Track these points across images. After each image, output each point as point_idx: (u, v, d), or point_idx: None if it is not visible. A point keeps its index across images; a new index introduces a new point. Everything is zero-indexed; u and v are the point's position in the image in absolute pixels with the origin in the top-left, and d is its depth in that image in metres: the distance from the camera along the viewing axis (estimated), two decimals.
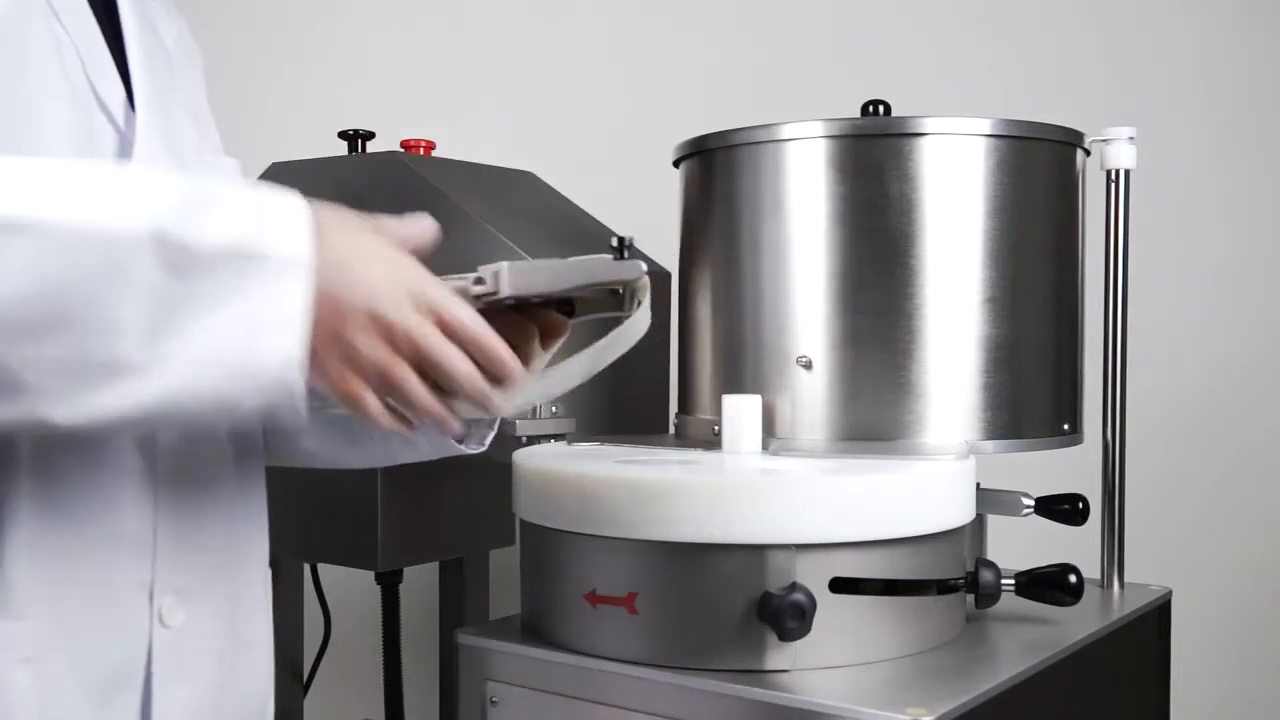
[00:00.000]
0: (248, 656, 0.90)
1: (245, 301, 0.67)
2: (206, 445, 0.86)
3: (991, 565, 1.12)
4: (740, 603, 0.99)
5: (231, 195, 0.69)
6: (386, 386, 0.72)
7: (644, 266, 0.88)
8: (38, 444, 0.75)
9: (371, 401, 0.72)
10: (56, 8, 0.78)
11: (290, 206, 0.69)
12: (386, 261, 0.71)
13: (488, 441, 0.96)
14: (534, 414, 1.28)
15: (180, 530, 0.82)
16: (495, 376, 0.73)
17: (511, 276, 0.75)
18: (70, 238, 0.64)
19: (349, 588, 1.90)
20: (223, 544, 0.87)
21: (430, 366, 0.71)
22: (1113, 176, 1.30)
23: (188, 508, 0.83)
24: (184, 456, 0.83)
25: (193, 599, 0.82)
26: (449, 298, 0.72)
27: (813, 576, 0.99)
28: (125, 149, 0.80)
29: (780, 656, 0.99)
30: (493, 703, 1.09)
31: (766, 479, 1.02)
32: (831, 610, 0.99)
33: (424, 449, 0.96)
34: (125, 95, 0.82)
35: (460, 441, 0.95)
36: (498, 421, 0.96)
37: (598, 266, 0.86)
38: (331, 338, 0.70)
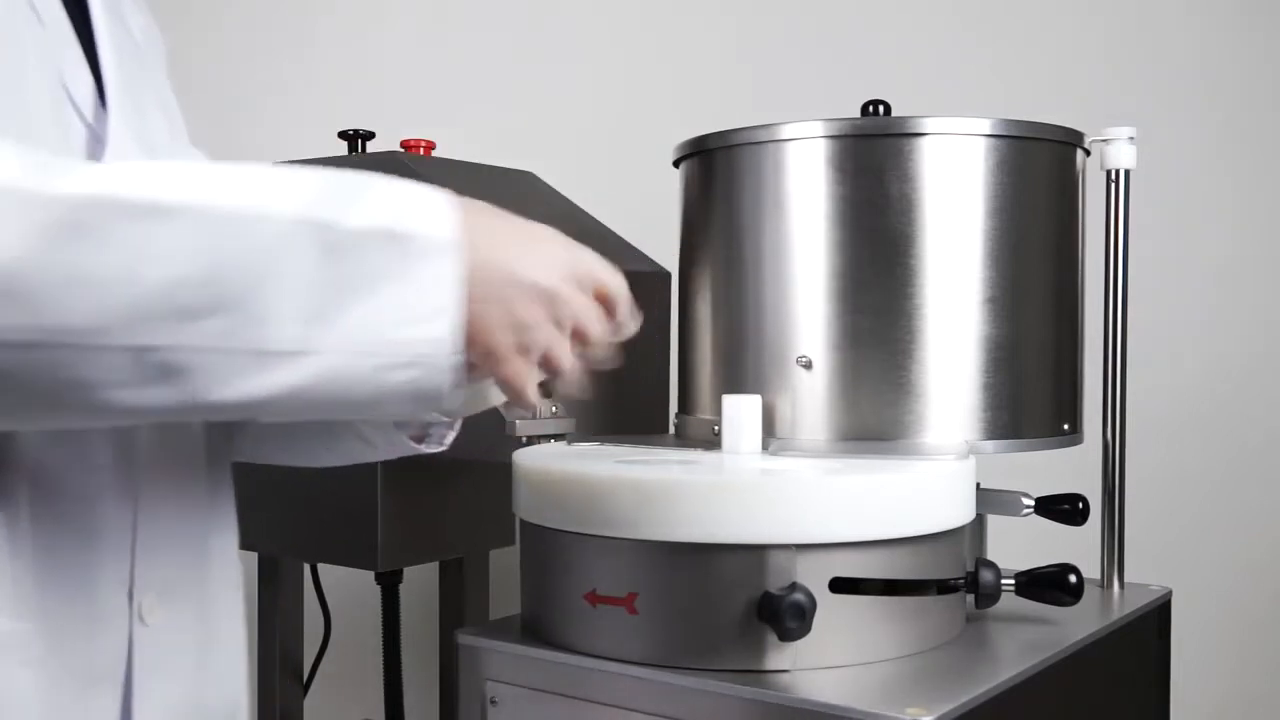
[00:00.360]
0: (223, 653, 0.90)
1: (398, 283, 0.67)
2: (182, 443, 0.85)
3: (991, 565, 1.12)
4: (740, 603, 0.99)
5: (377, 182, 0.70)
6: (546, 362, 0.74)
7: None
8: (34, 444, 0.74)
9: (532, 377, 0.74)
10: (35, 3, 0.76)
11: (432, 191, 0.71)
12: (538, 236, 0.74)
13: (448, 441, 0.96)
14: (534, 414, 1.28)
15: (158, 528, 0.82)
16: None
17: None
18: (228, 221, 0.64)
19: (349, 588, 1.90)
20: (198, 541, 0.87)
21: (578, 340, 0.75)
22: (1113, 176, 1.30)
23: (165, 506, 0.83)
24: (162, 455, 0.83)
25: (170, 596, 0.82)
26: (607, 267, 0.75)
27: (813, 576, 0.99)
28: (97, 146, 0.79)
29: (780, 656, 0.99)
30: (493, 703, 1.09)
31: (766, 479, 1.03)
32: (831, 610, 0.99)
33: (381, 450, 0.96)
34: (96, 90, 0.81)
35: (419, 441, 0.94)
36: (459, 422, 0.96)
37: None
38: (494, 313, 0.70)
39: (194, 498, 0.87)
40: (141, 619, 0.80)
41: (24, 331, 0.60)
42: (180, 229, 0.63)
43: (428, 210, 0.69)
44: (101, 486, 0.78)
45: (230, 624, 0.92)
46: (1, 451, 0.73)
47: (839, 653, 1.01)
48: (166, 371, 0.63)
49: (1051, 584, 1.11)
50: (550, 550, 1.09)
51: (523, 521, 1.14)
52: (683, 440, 1.30)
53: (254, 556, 1.65)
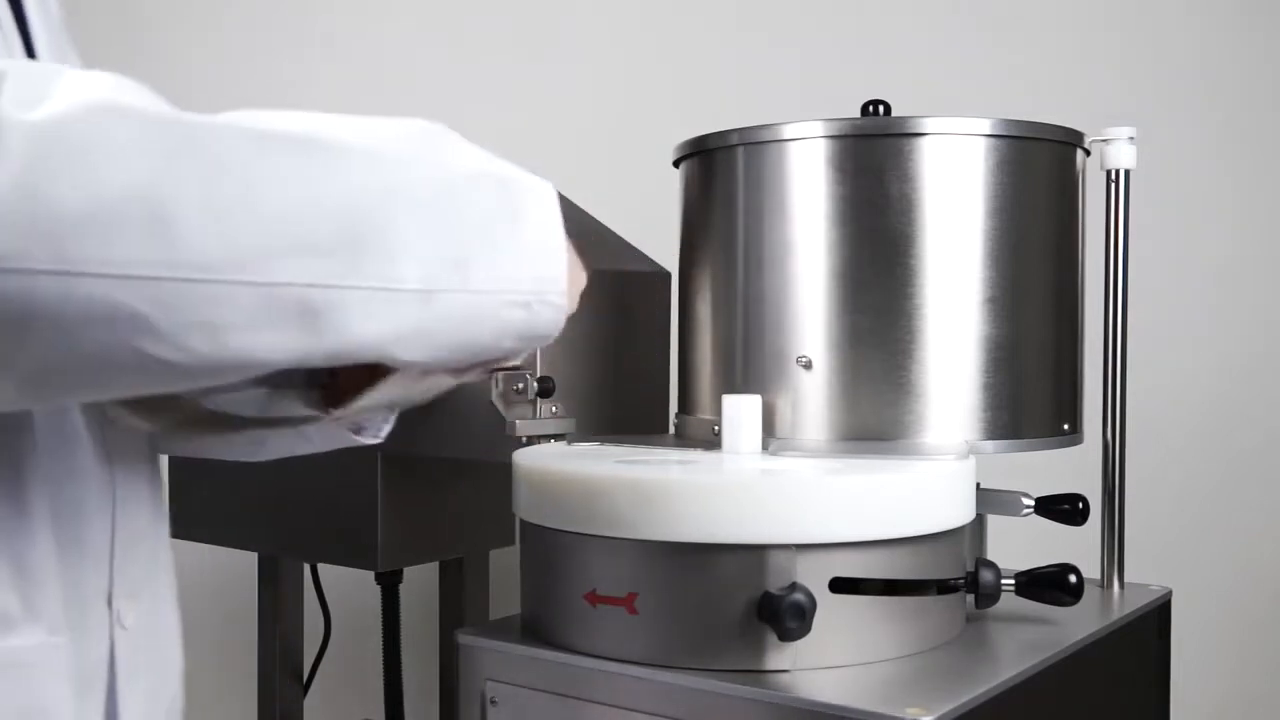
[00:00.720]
0: (171, 647, 0.90)
1: (512, 223, 0.69)
2: (136, 438, 0.84)
3: (991, 565, 1.12)
4: (740, 603, 0.99)
5: (467, 143, 0.72)
6: None
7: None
8: (47, 450, 0.74)
9: None
10: None
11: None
12: None
13: (383, 434, 0.94)
14: (534, 414, 1.28)
15: (130, 530, 0.81)
16: None
17: None
18: (358, 156, 0.63)
19: (349, 588, 1.90)
20: (152, 540, 0.86)
21: None
22: (1113, 176, 1.30)
23: (134, 507, 0.82)
24: (127, 454, 0.82)
25: (139, 597, 0.82)
26: None
27: (813, 576, 0.99)
28: None
29: (780, 656, 0.99)
30: (493, 703, 1.09)
31: (766, 479, 1.03)
32: (831, 610, 0.99)
33: (317, 444, 0.94)
34: (26, 54, 0.78)
35: (357, 433, 0.93)
36: (396, 413, 0.95)
37: None
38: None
39: (149, 494, 0.86)
40: (121, 623, 0.80)
41: (155, 266, 0.56)
42: (312, 162, 0.61)
43: (516, 167, 0.72)
44: (89, 491, 0.78)
45: (174, 616, 0.91)
46: (21, 462, 0.73)
47: (839, 653, 1.01)
48: (299, 310, 0.61)
49: (1051, 584, 1.11)
50: (550, 550, 1.09)
51: (523, 521, 1.14)
52: (683, 440, 1.30)
53: (254, 556, 1.65)
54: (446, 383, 0.79)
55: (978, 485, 1.15)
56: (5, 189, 0.53)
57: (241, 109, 0.64)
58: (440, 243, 0.66)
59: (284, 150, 0.61)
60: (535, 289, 0.70)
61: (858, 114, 1.22)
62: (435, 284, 0.65)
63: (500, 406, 1.27)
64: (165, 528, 0.91)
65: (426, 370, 0.73)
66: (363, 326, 0.63)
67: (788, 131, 1.17)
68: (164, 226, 0.56)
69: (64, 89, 0.56)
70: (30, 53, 0.79)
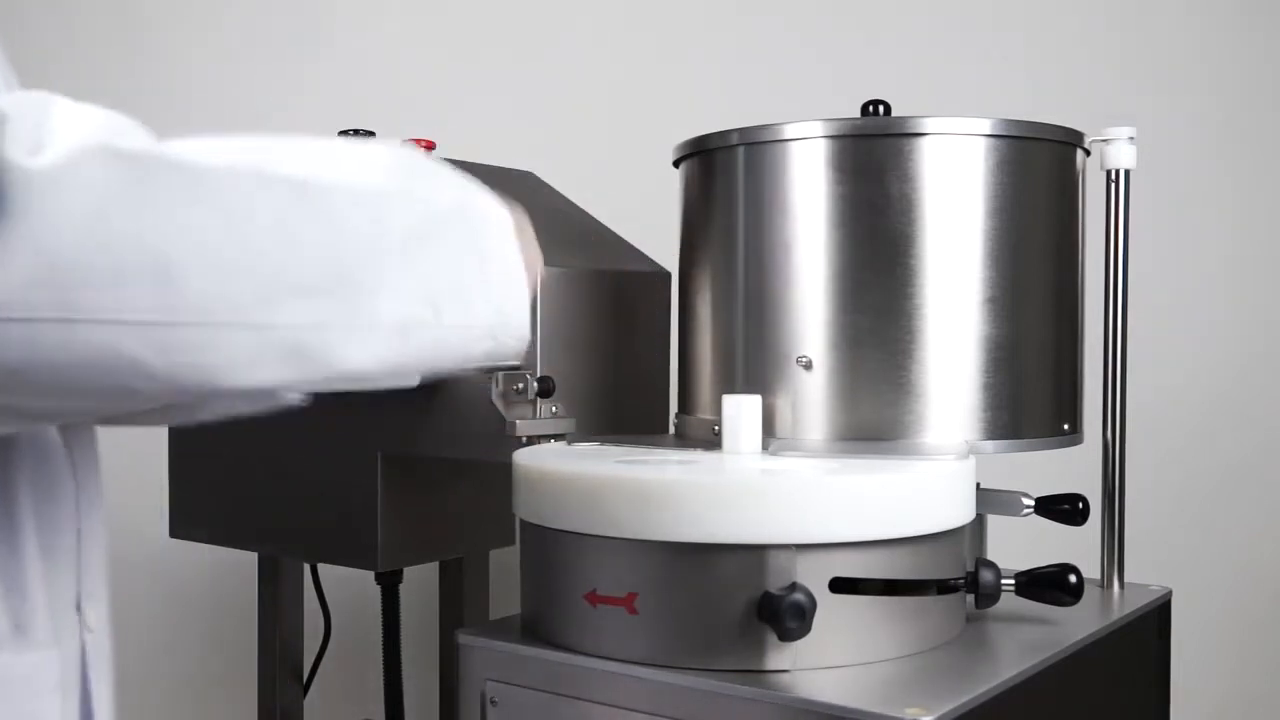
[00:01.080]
0: (109, 642, 0.90)
1: (478, 257, 0.73)
2: (87, 434, 0.84)
3: (991, 565, 1.12)
4: (740, 603, 0.99)
5: (442, 164, 0.75)
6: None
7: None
8: (30, 464, 0.74)
9: None
10: None
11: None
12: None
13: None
14: (534, 414, 1.28)
15: (89, 534, 0.81)
16: None
17: None
18: (341, 195, 0.65)
19: (349, 588, 1.90)
20: (101, 536, 0.86)
21: None
22: (1113, 176, 1.30)
23: (90, 508, 0.82)
24: (86, 454, 0.82)
25: (97, 599, 0.82)
26: None
27: (813, 576, 0.99)
28: None
29: (780, 656, 0.99)
30: (493, 703, 1.09)
31: (766, 479, 1.03)
32: (831, 610, 0.99)
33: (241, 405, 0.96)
34: None
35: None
36: None
37: None
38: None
39: (98, 487, 0.85)
40: (88, 627, 0.80)
41: (156, 311, 0.57)
42: (306, 205, 0.63)
43: (480, 189, 0.75)
44: (63, 498, 0.77)
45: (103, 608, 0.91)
46: (12, 478, 0.72)
47: (839, 653, 1.01)
48: (291, 350, 0.63)
49: (1051, 584, 1.11)
50: (550, 550, 1.09)
51: (523, 521, 1.14)
52: (683, 440, 1.30)
53: (254, 556, 1.65)
54: None
55: (978, 485, 1.15)
56: (12, 239, 0.53)
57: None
58: (416, 281, 0.68)
59: (281, 195, 0.62)
60: (500, 321, 0.74)
61: (858, 114, 1.22)
62: (412, 321, 0.68)
63: (500, 406, 1.27)
64: (104, 516, 0.91)
65: None
66: (345, 362, 0.66)
67: (788, 131, 1.17)
68: (167, 275, 0.57)
69: (61, 130, 0.56)
70: None
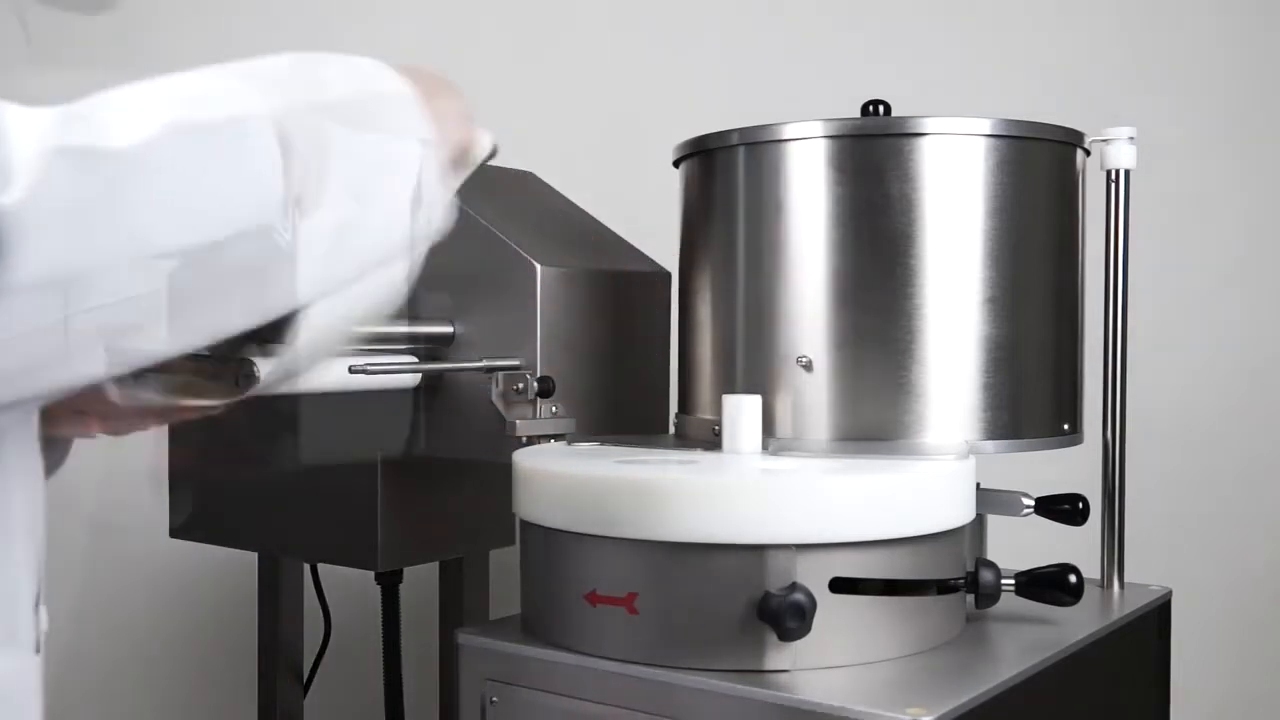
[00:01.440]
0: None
1: (380, 136, 0.73)
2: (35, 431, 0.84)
3: (991, 565, 1.12)
4: (740, 603, 0.99)
5: (334, 57, 0.76)
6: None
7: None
8: (11, 471, 0.73)
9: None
10: None
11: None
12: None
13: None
14: (534, 414, 1.28)
15: (46, 533, 0.81)
16: None
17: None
18: (236, 126, 0.65)
19: (349, 588, 1.90)
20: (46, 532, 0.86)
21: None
22: (1113, 176, 1.30)
23: (44, 507, 0.82)
24: (43, 453, 0.82)
25: (45, 599, 0.82)
26: None
27: (813, 576, 0.99)
28: None
29: (780, 656, 0.99)
30: (493, 703, 1.09)
31: (766, 479, 1.03)
32: (831, 610, 0.99)
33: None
34: None
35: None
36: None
37: None
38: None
39: (45, 483, 0.86)
40: (43, 629, 0.80)
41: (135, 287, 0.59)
42: (222, 158, 0.63)
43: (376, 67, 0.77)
44: (40, 500, 0.77)
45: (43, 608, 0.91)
46: (5, 482, 0.72)
47: (839, 653, 1.01)
48: (247, 277, 0.64)
49: (1051, 584, 1.11)
50: (550, 550, 1.09)
51: (523, 521, 1.14)
52: (683, 440, 1.30)
53: (254, 556, 1.65)
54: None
55: (978, 485, 1.15)
56: (14, 277, 0.54)
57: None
58: (339, 182, 0.69)
59: (198, 153, 0.63)
60: (415, 195, 0.74)
61: (858, 114, 1.22)
62: (343, 223, 0.69)
63: (500, 406, 1.27)
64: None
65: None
66: (293, 290, 0.67)
67: (788, 131, 1.17)
68: (142, 253, 0.59)
69: (18, 147, 0.56)
70: None
